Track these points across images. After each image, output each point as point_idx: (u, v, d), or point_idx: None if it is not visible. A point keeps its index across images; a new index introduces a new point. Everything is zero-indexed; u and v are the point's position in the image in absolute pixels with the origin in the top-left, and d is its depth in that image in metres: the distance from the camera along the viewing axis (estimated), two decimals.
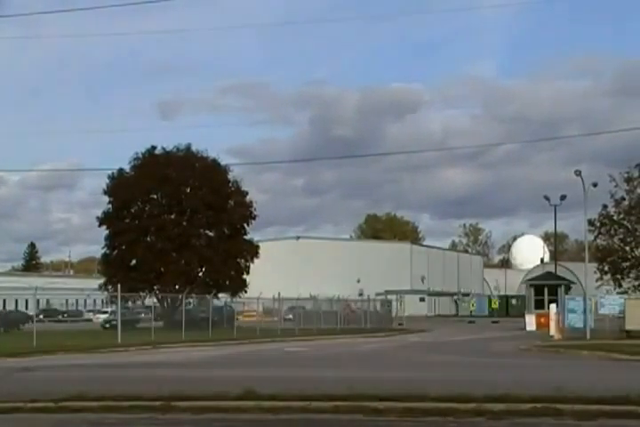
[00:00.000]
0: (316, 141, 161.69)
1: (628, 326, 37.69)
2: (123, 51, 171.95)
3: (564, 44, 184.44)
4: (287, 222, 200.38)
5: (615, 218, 47.59)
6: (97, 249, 64.56)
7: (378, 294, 75.12)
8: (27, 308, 74.58)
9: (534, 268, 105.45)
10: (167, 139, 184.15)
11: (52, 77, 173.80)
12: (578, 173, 39.86)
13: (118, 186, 56.16)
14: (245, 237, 58.76)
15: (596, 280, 47.57)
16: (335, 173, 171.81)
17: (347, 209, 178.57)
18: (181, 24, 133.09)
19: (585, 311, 41.39)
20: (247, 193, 58.76)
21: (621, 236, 47.78)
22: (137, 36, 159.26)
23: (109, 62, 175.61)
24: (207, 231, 57.88)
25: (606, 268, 47.07)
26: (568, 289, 53.68)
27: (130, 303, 58.42)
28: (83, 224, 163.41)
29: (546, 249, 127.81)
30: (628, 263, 47.36)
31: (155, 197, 57.33)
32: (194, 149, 58.44)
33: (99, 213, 57.65)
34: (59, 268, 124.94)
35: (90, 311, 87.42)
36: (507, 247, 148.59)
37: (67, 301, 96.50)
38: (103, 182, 57.31)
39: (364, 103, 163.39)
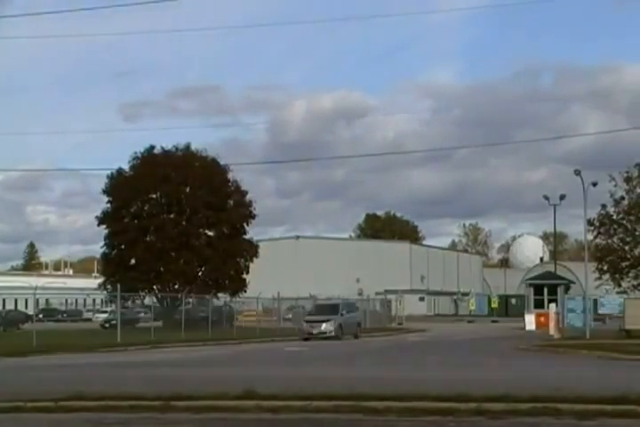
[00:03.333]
0: (278, 144, 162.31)
1: (628, 326, 37.72)
2: (79, 53, 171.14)
3: (513, 48, 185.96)
4: (266, 223, 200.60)
5: (614, 218, 47.58)
6: (96, 249, 64.71)
7: (377, 294, 75.17)
8: (26, 307, 74.58)
9: (534, 267, 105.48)
10: (130, 141, 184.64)
11: (11, 79, 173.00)
12: (577, 172, 39.84)
13: (117, 185, 56.17)
14: (245, 236, 58.77)
15: (595, 280, 47.58)
16: (303, 175, 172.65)
17: (321, 210, 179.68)
18: (136, 27, 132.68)
19: (584, 311, 41.41)
20: (247, 192, 58.80)
21: (621, 235, 47.79)
22: (94, 38, 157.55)
23: (66, 65, 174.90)
24: (207, 231, 57.88)
25: (605, 267, 47.07)
26: (567, 289, 53.68)
27: (129, 303, 58.42)
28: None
29: (545, 249, 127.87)
30: (627, 263, 47.36)
31: (154, 196, 57.32)
32: (193, 148, 58.55)
33: (97, 212, 57.74)
34: (58, 267, 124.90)
35: (89, 311, 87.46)
36: (506, 247, 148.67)
37: (66, 300, 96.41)
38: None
39: (326, 107, 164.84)
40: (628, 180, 47.32)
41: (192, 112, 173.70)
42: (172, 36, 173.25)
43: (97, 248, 61.34)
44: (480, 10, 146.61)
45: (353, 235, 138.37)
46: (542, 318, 47.17)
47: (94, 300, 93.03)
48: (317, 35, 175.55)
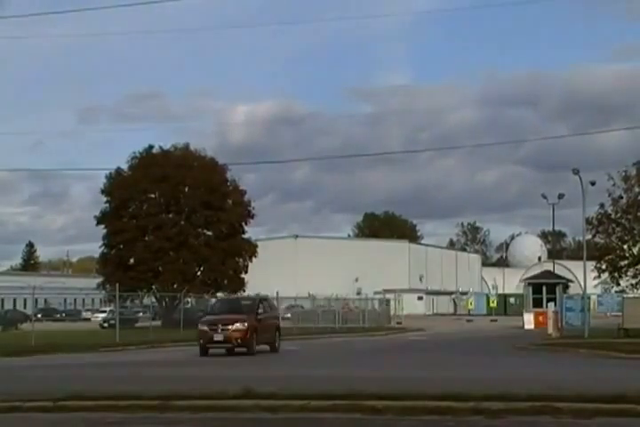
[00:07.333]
0: (229, 148, 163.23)
1: (626, 325, 37.72)
2: (33, 56, 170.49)
3: (468, 53, 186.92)
4: None
5: (613, 216, 47.56)
6: (95, 248, 64.74)
7: (376, 293, 75.18)
8: (25, 307, 74.54)
9: (532, 266, 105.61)
10: (87, 144, 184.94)
11: None
12: (576, 171, 39.88)
13: (116, 185, 56.18)
14: (243, 236, 58.79)
15: (594, 279, 47.59)
16: (261, 177, 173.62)
17: (288, 212, 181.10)
18: (89, 30, 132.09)
19: (583, 310, 41.41)
20: (245, 192, 58.82)
21: (619, 234, 47.75)
22: (46, 40, 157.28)
23: (18, 68, 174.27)
24: (205, 230, 57.91)
25: (604, 266, 47.04)
26: (566, 288, 53.71)
27: (128, 302, 58.42)
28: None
29: (544, 248, 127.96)
30: (625, 262, 47.32)
31: (153, 196, 57.36)
32: (192, 148, 58.61)
33: (97, 212, 57.76)
34: (57, 267, 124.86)
35: (88, 311, 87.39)
36: (505, 246, 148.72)
37: (65, 300, 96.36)
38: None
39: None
40: (626, 178, 47.31)
41: (141, 117, 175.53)
42: (125, 40, 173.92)
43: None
44: (420, 15, 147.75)
45: (351, 234, 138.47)
46: (541, 317, 47.16)
47: (93, 299, 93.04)
48: (275, 38, 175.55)
